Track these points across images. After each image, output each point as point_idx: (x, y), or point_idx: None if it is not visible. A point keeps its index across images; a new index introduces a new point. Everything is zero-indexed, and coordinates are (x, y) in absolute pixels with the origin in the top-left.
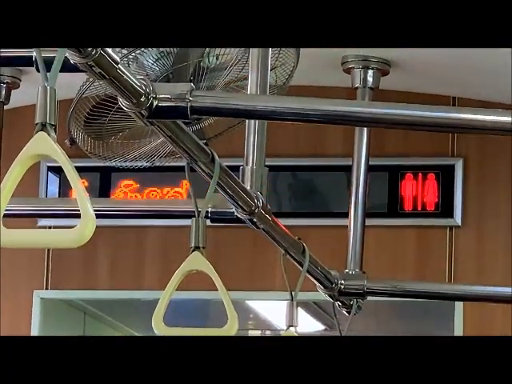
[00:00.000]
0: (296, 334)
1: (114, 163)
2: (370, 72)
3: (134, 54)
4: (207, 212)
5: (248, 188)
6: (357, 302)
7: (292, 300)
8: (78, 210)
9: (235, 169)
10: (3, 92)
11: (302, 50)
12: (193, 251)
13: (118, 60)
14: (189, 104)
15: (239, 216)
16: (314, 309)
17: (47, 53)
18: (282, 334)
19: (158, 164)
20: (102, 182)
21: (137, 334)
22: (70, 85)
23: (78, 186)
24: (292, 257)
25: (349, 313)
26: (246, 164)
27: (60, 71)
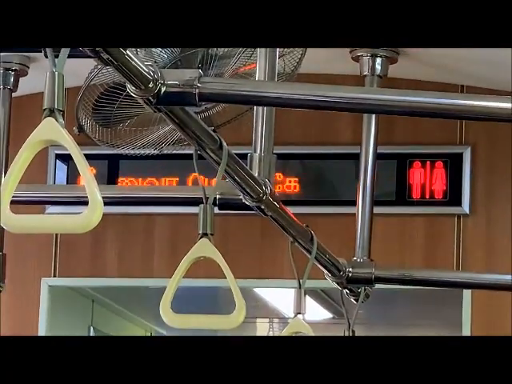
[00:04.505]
0: (304, 322)
1: (122, 151)
2: (379, 60)
3: None
4: (215, 199)
5: (256, 175)
6: (365, 289)
7: (300, 288)
8: (86, 197)
9: (243, 157)
10: (11, 79)
11: None
12: (201, 238)
13: None
14: (197, 90)
15: (247, 203)
16: (322, 297)
17: None
18: (290, 321)
19: (166, 151)
20: (110, 170)
21: (145, 322)
22: (78, 73)
23: (86, 171)
24: (300, 244)
25: (357, 301)
26: (254, 151)
27: (68, 57)
